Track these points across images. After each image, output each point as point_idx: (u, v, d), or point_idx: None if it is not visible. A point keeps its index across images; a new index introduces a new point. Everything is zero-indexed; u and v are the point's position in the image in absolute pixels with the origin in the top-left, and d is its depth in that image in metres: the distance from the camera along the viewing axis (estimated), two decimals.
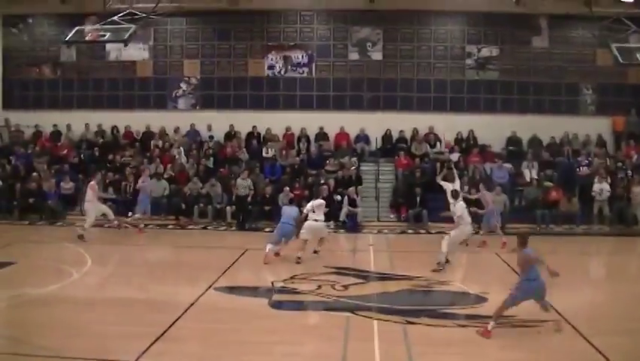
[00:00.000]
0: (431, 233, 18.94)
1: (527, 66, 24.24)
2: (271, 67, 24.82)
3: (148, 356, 8.09)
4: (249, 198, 20.42)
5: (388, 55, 24.55)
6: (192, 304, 10.59)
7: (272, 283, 12.37)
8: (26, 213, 20.72)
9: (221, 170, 22.08)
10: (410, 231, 19.86)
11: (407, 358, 8.31)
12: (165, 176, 21.61)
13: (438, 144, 23.56)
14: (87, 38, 20.15)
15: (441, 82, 24.40)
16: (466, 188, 19.58)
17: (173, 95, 25.05)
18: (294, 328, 9.62)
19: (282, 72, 24.80)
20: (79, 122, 24.65)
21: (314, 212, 14.67)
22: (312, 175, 21.73)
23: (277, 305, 10.90)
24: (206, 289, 11.64)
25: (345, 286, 12.07)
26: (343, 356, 8.32)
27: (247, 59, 24.88)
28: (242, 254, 15.26)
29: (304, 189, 20.50)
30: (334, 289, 11.90)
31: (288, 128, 24.14)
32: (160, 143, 23.68)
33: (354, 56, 24.66)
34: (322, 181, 20.71)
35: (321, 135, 24.10)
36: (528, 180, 21.58)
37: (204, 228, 19.93)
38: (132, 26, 19.81)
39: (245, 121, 24.17)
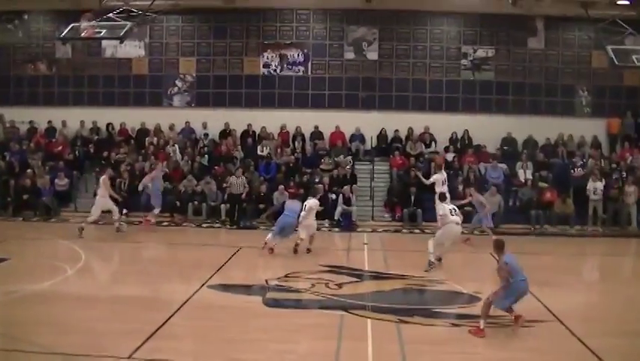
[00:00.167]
0: (426, 233, 18.92)
1: (523, 67, 24.29)
2: (267, 65, 24.79)
3: (141, 353, 8.07)
4: (244, 196, 20.40)
5: (384, 54, 24.56)
6: (186, 302, 10.58)
7: (266, 281, 12.36)
8: (20, 210, 20.63)
9: (216, 168, 22.07)
10: (405, 230, 19.87)
11: (400, 357, 8.32)
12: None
13: (433, 143, 23.58)
14: (83, 35, 20.14)
15: (436, 82, 24.42)
16: (460, 188, 19.75)
17: (169, 92, 24.99)
18: (288, 326, 9.60)
19: (278, 71, 24.77)
20: (74, 118, 24.54)
21: (304, 210, 15.05)
22: (307, 174, 21.72)
23: (271, 303, 10.90)
24: (200, 287, 11.63)
25: (339, 285, 12.08)
26: (337, 354, 8.32)
27: (243, 57, 24.84)
28: (236, 252, 15.25)
29: (299, 187, 20.48)
30: (328, 287, 11.90)
31: (283, 127, 24.12)
32: (155, 140, 23.62)
33: (349, 55, 24.66)
34: (317, 180, 20.73)
35: (317, 134, 24.09)
36: (523, 180, 21.57)
37: (199, 225, 19.91)
38: (128, 23, 19.83)
39: (240, 119, 24.15)
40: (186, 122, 24.35)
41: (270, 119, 24.10)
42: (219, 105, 24.64)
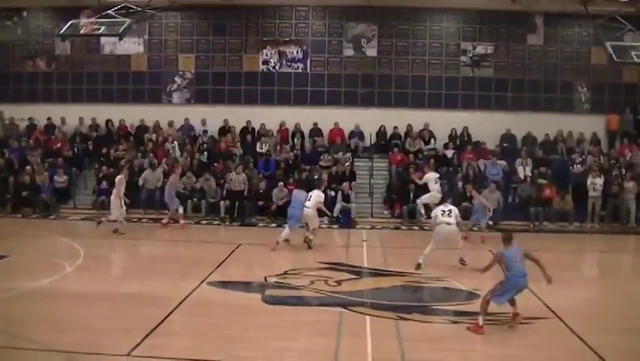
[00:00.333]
0: (425, 230, 18.90)
1: (522, 64, 24.30)
2: (266, 62, 24.77)
3: (140, 351, 8.06)
4: (245, 193, 20.40)
5: (383, 51, 24.55)
6: (185, 299, 10.57)
7: (265, 279, 12.35)
8: (19, 207, 20.68)
9: (215, 164, 22.06)
10: (404, 227, 19.88)
11: (399, 353, 8.32)
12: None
13: (432, 140, 23.56)
14: (82, 32, 20.11)
15: (436, 79, 24.41)
16: (460, 184, 19.76)
17: (168, 89, 24.97)
18: (287, 323, 9.59)
19: (277, 67, 24.76)
20: (73, 115, 24.52)
21: (309, 200, 15.21)
22: (306, 170, 21.72)
23: (270, 300, 10.88)
24: (199, 284, 11.63)
25: (339, 282, 12.09)
26: (336, 352, 8.32)
27: (242, 53, 24.83)
28: (235, 249, 15.26)
29: (298, 184, 20.46)
30: (327, 284, 11.91)
31: (282, 124, 24.10)
32: (154, 137, 23.60)
33: (348, 51, 24.64)
34: (316, 177, 20.71)
35: (316, 131, 24.07)
36: (522, 177, 21.59)
37: (198, 223, 19.89)
38: (127, 20, 19.78)
39: (239, 116, 24.12)
40: (185, 119, 24.33)
41: (269, 116, 24.06)
42: (218, 102, 24.63)
